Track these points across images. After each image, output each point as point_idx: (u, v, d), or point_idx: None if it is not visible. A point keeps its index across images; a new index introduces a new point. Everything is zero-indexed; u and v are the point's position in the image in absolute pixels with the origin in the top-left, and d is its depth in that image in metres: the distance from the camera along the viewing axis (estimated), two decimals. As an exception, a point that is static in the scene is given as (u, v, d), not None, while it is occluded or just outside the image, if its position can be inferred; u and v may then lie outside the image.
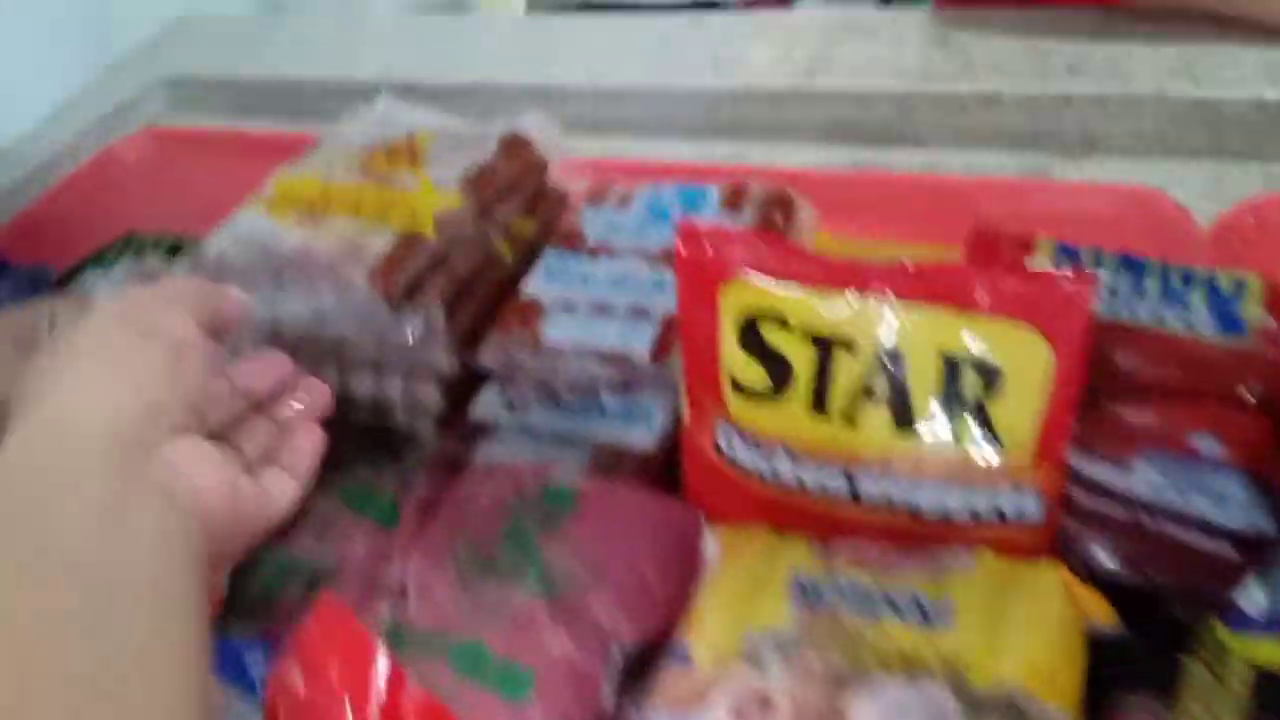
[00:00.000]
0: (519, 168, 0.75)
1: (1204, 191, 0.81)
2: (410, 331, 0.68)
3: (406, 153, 0.75)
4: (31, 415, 0.39)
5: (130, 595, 0.35)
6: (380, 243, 0.67)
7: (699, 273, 0.55)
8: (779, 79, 0.99)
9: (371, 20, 1.59)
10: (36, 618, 0.33)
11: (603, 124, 1.09)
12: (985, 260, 0.62)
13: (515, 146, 0.75)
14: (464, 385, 0.72)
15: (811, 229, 0.73)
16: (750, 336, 0.54)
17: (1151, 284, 0.59)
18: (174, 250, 1.04)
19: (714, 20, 1.15)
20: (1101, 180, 0.85)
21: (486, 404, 0.71)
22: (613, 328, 0.66)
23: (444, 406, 0.71)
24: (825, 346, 0.53)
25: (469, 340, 0.70)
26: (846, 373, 0.53)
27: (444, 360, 0.69)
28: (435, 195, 0.71)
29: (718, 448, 0.57)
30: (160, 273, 0.80)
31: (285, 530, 0.68)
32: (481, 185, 0.71)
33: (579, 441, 0.67)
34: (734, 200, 0.73)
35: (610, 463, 0.65)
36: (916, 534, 0.53)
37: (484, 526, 0.60)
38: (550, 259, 0.72)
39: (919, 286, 0.52)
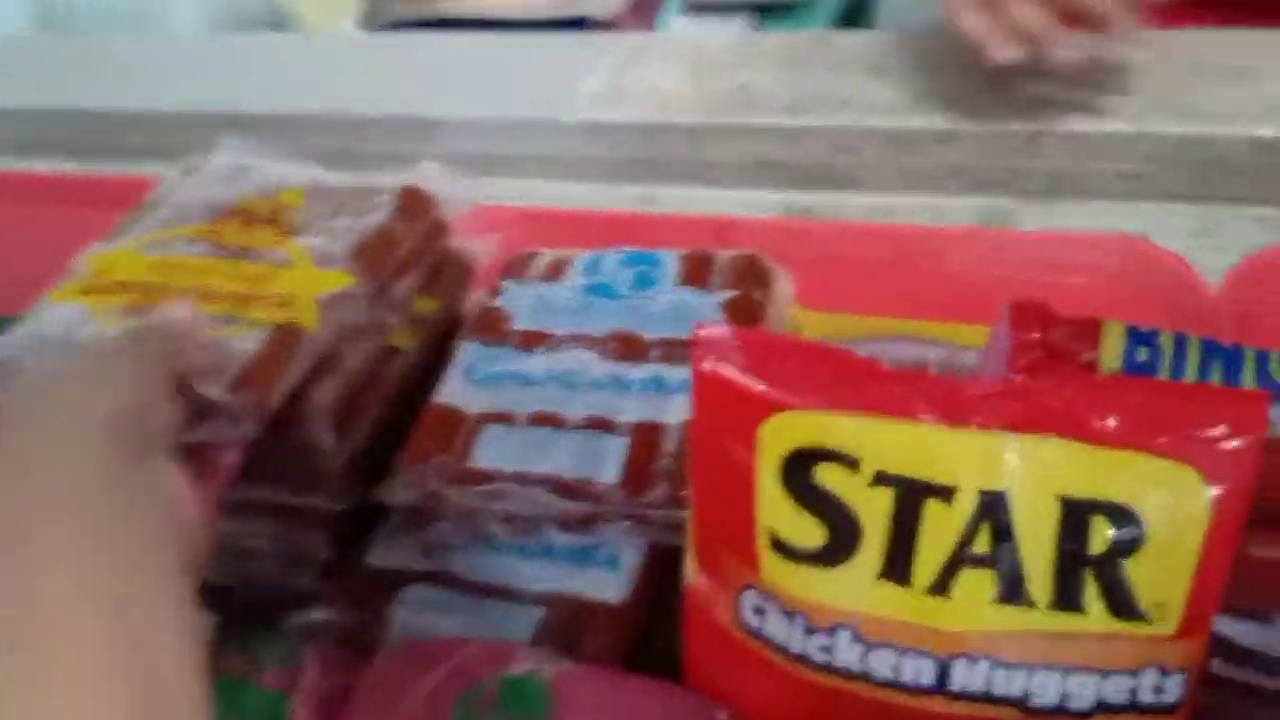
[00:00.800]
0: (420, 232, 0.58)
1: (1193, 241, 0.72)
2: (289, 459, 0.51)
3: (269, 217, 0.57)
4: None
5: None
6: (243, 341, 0.49)
7: (729, 400, 0.40)
8: (691, 111, 0.85)
9: (175, 40, 1.38)
10: None
11: (476, 162, 0.93)
12: (1038, 350, 0.49)
13: (414, 205, 0.58)
14: (354, 520, 0.55)
15: (789, 303, 0.59)
16: (800, 481, 0.40)
17: (1248, 379, 0.47)
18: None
19: (600, 41, 1.00)
20: (1072, 228, 0.75)
21: (390, 547, 0.54)
22: (566, 445, 0.51)
23: (331, 552, 0.54)
24: (908, 494, 0.39)
25: (366, 465, 0.53)
26: (938, 529, 0.39)
27: (334, 494, 0.53)
28: (315, 273, 0.53)
29: (742, 621, 0.43)
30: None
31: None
32: (377, 257, 0.54)
33: (525, 596, 0.51)
34: (698, 272, 0.59)
35: (571, 624, 0.50)
36: (1023, 733, 0.40)
37: (418, 737, 0.44)
38: (469, 353, 0.56)
39: (1029, 410, 0.39)
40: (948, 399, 0.40)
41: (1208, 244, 0.72)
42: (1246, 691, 0.42)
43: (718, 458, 0.41)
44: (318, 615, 0.52)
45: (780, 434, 0.40)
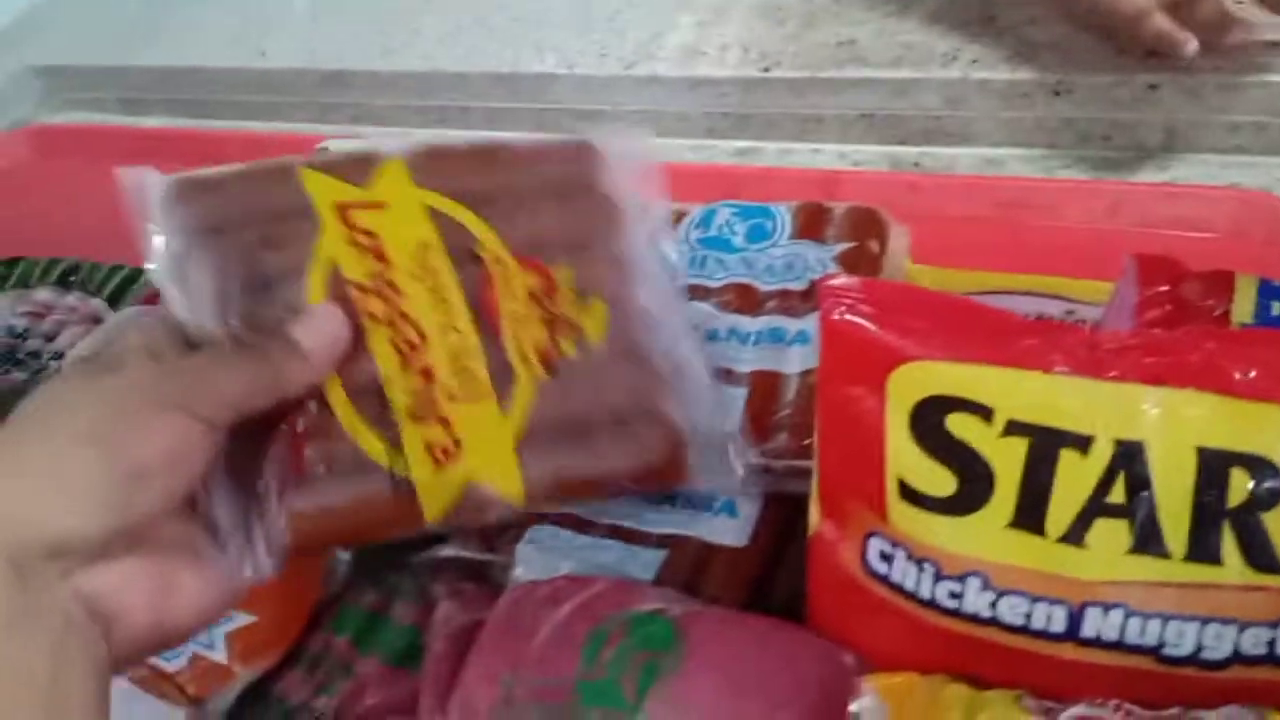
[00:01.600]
0: None
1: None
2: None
3: None
4: None
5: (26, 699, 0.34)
6: None
7: (857, 348, 0.40)
8: (795, 65, 0.85)
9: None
10: None
11: (573, 117, 0.94)
12: (1167, 304, 0.49)
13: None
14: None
15: (904, 256, 0.59)
16: (931, 430, 0.40)
17: (1390, 330, 0.46)
18: (68, 276, 0.86)
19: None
20: (1190, 182, 0.74)
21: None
22: (688, 395, 0.52)
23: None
24: (1043, 444, 0.39)
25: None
26: (1073, 479, 0.39)
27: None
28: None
29: (868, 566, 0.43)
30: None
31: (271, 671, 0.52)
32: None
33: (647, 539, 0.52)
34: (814, 224, 0.59)
35: (692, 566, 0.51)
36: (1156, 683, 0.40)
37: (548, 670, 0.45)
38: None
39: (1167, 362, 0.39)
40: (1084, 350, 0.40)
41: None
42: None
43: (845, 406, 0.42)
44: (446, 552, 0.54)
45: (910, 383, 0.40)
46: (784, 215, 0.61)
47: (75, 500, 0.36)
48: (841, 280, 0.42)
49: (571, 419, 0.45)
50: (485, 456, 0.43)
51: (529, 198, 0.47)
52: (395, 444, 0.43)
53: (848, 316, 0.41)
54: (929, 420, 0.41)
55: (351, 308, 0.43)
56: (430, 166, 0.47)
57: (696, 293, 0.57)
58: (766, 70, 0.84)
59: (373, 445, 0.43)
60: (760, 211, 0.62)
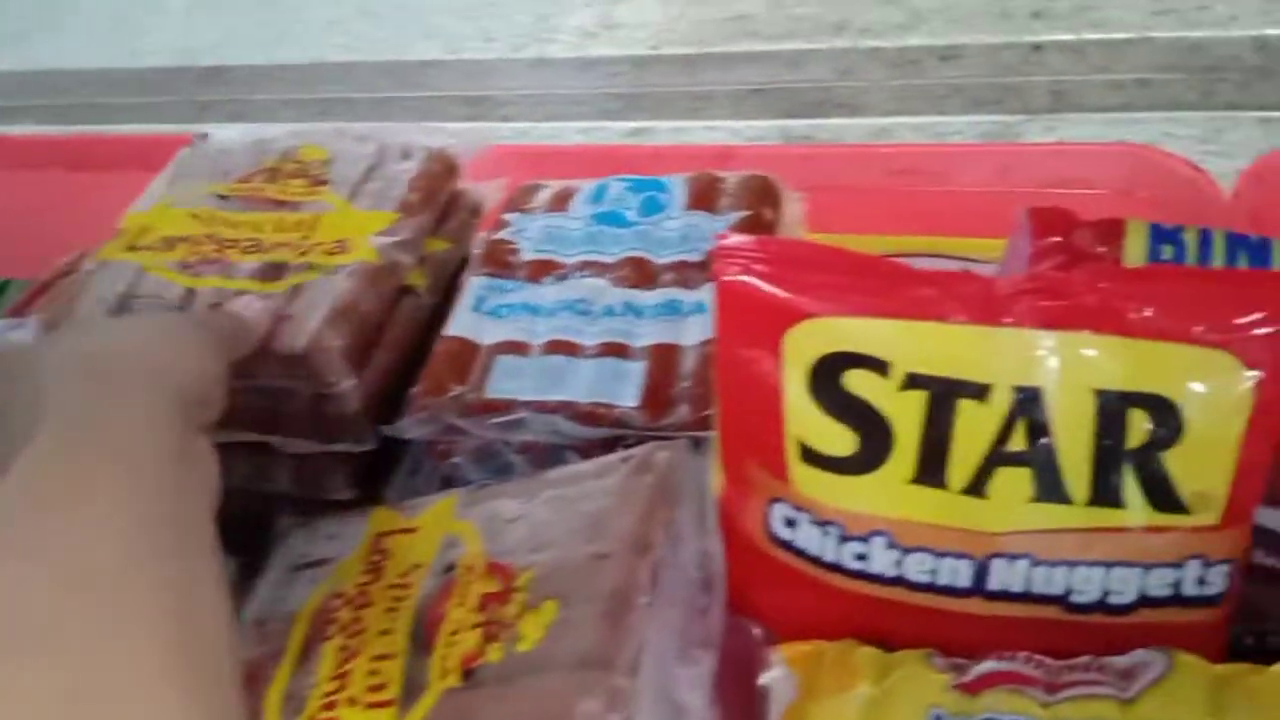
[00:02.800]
0: (437, 173, 0.57)
1: (1199, 148, 0.71)
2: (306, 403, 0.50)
3: (295, 173, 0.57)
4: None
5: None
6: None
7: (752, 308, 0.39)
8: (683, 42, 0.84)
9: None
10: None
11: (465, 104, 0.91)
12: (1060, 254, 0.48)
13: (443, 162, 0.58)
14: (373, 462, 0.54)
15: (799, 223, 0.58)
16: (829, 388, 0.39)
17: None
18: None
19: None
20: (1076, 141, 0.74)
21: (411, 486, 0.53)
22: (583, 372, 0.50)
23: (351, 494, 0.53)
24: (941, 395, 0.38)
25: (383, 407, 0.52)
26: (973, 429, 0.38)
27: (353, 436, 0.52)
28: (361, 215, 0.54)
29: (772, 533, 0.42)
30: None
31: None
32: (417, 205, 0.55)
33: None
34: (707, 194, 0.58)
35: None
36: (1065, 632, 0.40)
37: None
38: (478, 287, 0.55)
39: (1062, 306, 0.38)
40: (979, 298, 0.39)
41: (1213, 150, 0.71)
42: (1286, 581, 0.41)
43: (743, 369, 0.41)
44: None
45: (806, 341, 0.39)
46: (677, 187, 0.60)
47: (199, 370, 0.41)
48: (735, 239, 0.40)
49: None
50: None
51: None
52: None
53: (741, 276, 0.40)
54: (827, 378, 0.39)
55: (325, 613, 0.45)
56: (481, 498, 0.48)
57: (591, 269, 0.56)
58: (655, 48, 0.83)
59: None
60: (653, 184, 0.61)
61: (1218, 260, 0.47)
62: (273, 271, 0.52)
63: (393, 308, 0.53)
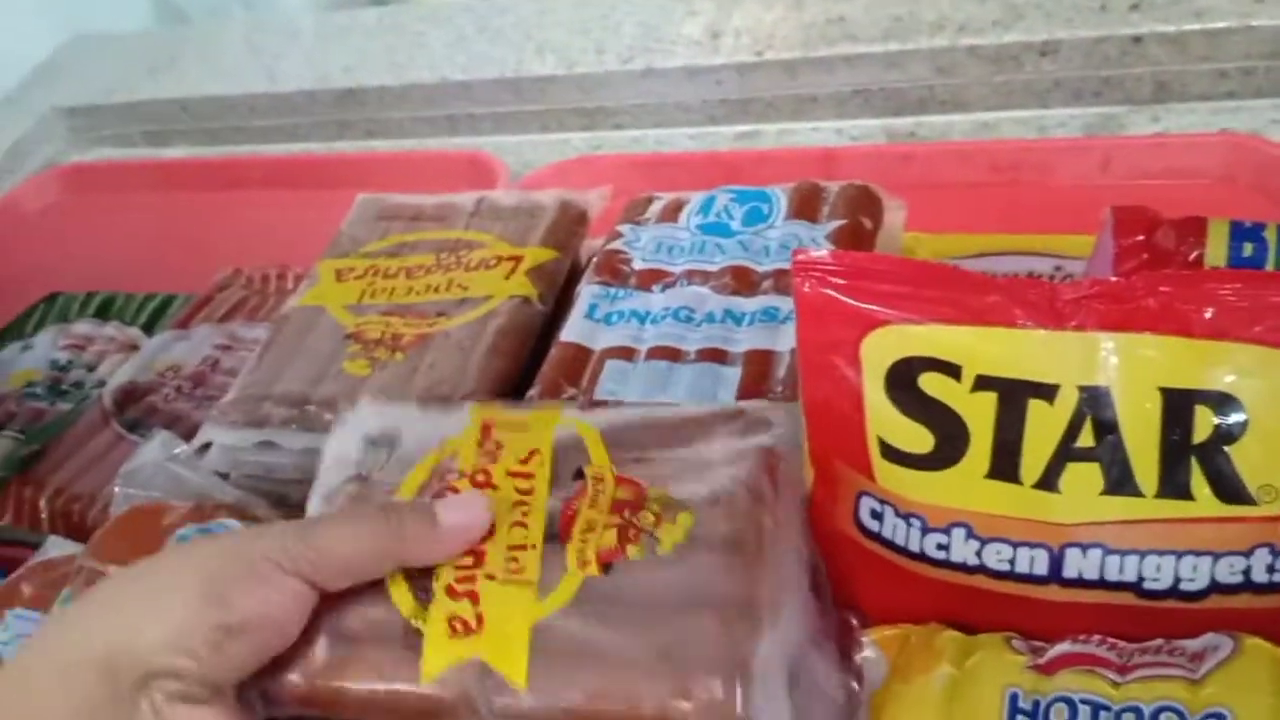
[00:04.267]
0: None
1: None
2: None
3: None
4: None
5: None
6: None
7: (831, 317, 0.42)
8: (787, 46, 0.87)
9: (285, 20, 1.43)
10: None
11: (579, 116, 0.96)
12: (1143, 253, 0.50)
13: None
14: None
15: (900, 229, 0.61)
16: (905, 390, 0.42)
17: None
18: (105, 309, 0.90)
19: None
20: (1180, 131, 0.75)
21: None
22: (684, 376, 0.54)
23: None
24: (1011, 396, 0.41)
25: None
26: (1043, 427, 0.41)
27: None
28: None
29: (861, 525, 0.45)
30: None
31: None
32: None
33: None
34: (808, 204, 0.61)
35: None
36: (1139, 617, 0.42)
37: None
38: (591, 295, 0.60)
39: (1124, 309, 0.40)
40: (1044, 303, 0.41)
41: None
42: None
43: (825, 374, 0.44)
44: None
45: (883, 347, 0.42)
46: (780, 197, 0.63)
47: (171, 636, 0.38)
48: (810, 253, 0.43)
49: (609, 618, 0.40)
50: (501, 636, 0.41)
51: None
52: (424, 605, 0.42)
53: (819, 288, 0.43)
54: (903, 381, 0.42)
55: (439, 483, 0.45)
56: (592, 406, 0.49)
57: (696, 277, 0.59)
58: (760, 54, 0.86)
59: (403, 598, 0.42)
60: (757, 195, 0.64)
61: (1302, 254, 0.49)
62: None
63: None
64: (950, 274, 0.43)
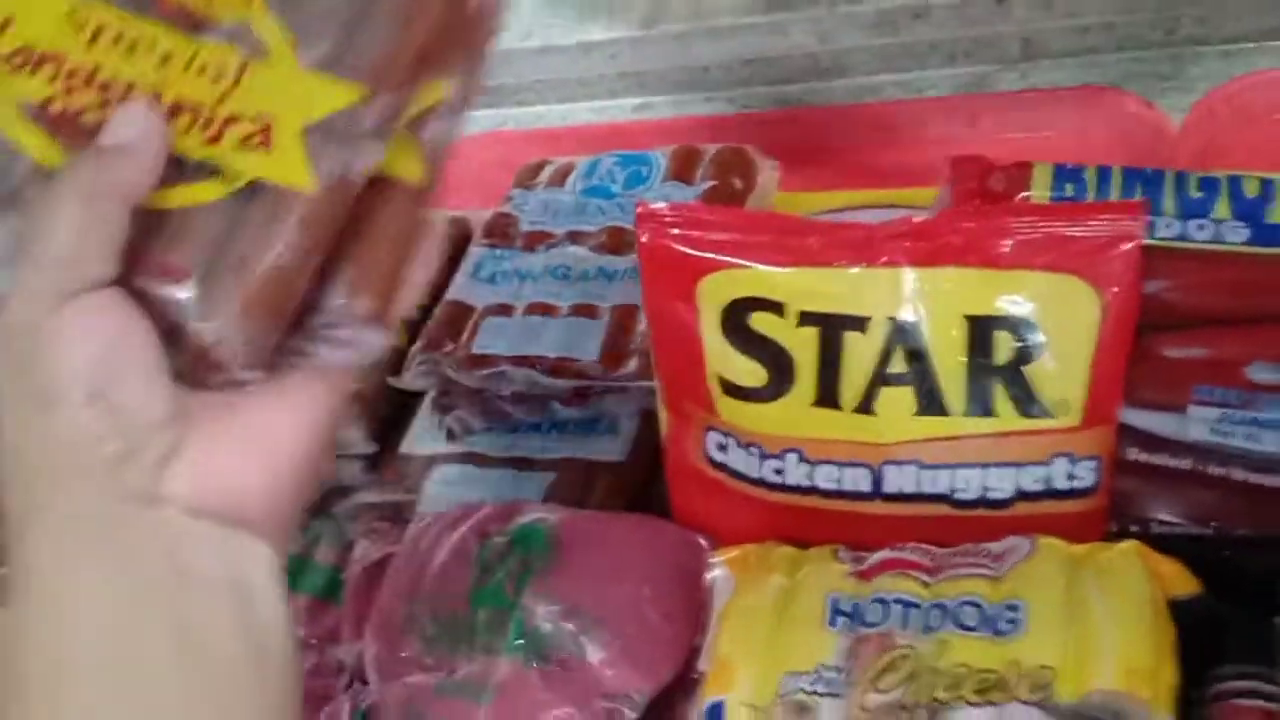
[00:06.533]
0: None
1: (1164, 84, 0.75)
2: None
3: None
4: None
5: None
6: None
7: (669, 264, 0.46)
8: (676, 19, 0.89)
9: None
10: None
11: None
12: (976, 198, 0.54)
13: None
14: (390, 416, 0.63)
15: (772, 189, 0.65)
16: (738, 328, 0.46)
17: (1169, 199, 0.51)
18: None
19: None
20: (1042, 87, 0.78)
21: (421, 436, 0.61)
22: (553, 331, 0.57)
23: (373, 445, 0.62)
24: (829, 330, 0.45)
25: (390, 360, 0.60)
26: (858, 356, 0.45)
27: (368, 387, 0.60)
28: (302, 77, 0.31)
29: (709, 457, 0.49)
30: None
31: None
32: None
33: (539, 464, 0.58)
34: (684, 166, 0.64)
35: (579, 482, 0.57)
36: (954, 526, 0.46)
37: (446, 586, 0.51)
38: (478, 256, 0.63)
39: (931, 246, 0.44)
40: (860, 243, 0.45)
41: (1176, 85, 0.75)
42: (1162, 474, 0.46)
43: (668, 319, 0.47)
44: (366, 498, 0.60)
45: (716, 291, 0.46)
46: (660, 160, 0.66)
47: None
48: (649, 206, 0.47)
49: None
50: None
51: None
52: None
53: (656, 238, 0.47)
54: (736, 322, 0.46)
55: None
56: None
57: (576, 238, 0.63)
58: (649, 28, 0.89)
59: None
60: (639, 159, 0.67)
61: (1114, 194, 0.52)
62: None
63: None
64: (774, 220, 0.47)
